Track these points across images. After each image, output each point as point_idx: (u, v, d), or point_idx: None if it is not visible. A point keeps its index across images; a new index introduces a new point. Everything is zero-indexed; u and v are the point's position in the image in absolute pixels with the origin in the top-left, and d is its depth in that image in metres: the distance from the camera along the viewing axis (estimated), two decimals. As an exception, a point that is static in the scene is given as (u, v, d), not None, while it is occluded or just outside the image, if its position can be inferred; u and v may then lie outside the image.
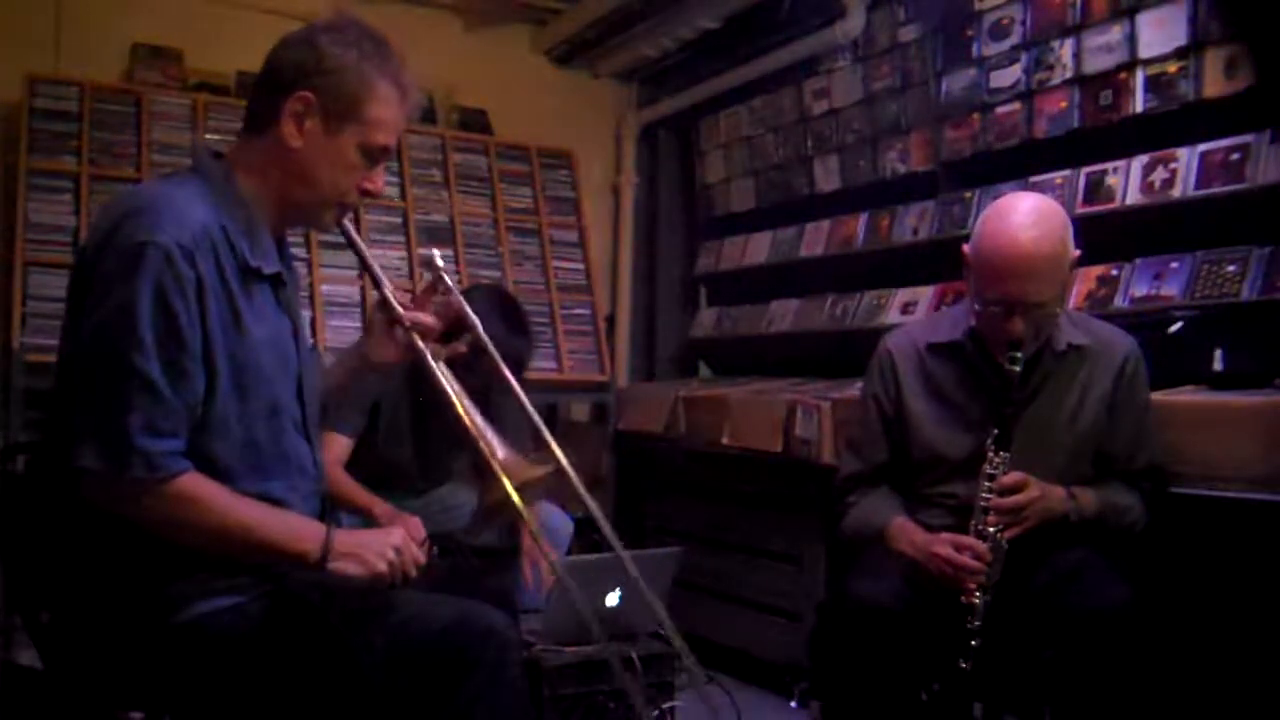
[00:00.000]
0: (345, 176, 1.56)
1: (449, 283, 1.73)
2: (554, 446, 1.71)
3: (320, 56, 1.52)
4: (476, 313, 1.77)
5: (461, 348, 1.72)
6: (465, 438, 1.61)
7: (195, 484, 1.42)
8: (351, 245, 1.69)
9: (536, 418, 1.74)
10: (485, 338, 1.74)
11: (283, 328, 1.59)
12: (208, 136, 3.62)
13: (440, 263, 1.75)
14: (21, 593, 1.58)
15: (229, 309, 1.47)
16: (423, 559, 1.56)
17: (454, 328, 1.72)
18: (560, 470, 1.71)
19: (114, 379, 1.38)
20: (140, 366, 1.38)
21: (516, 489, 1.57)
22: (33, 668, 1.63)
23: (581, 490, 1.72)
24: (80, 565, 1.46)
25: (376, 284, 1.69)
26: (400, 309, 1.65)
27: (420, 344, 1.65)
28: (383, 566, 1.50)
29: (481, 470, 1.60)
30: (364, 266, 1.73)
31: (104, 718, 1.54)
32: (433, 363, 1.64)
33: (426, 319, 1.67)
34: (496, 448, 1.60)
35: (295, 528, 1.49)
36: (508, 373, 1.75)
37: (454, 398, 1.62)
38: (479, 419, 1.62)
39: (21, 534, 1.56)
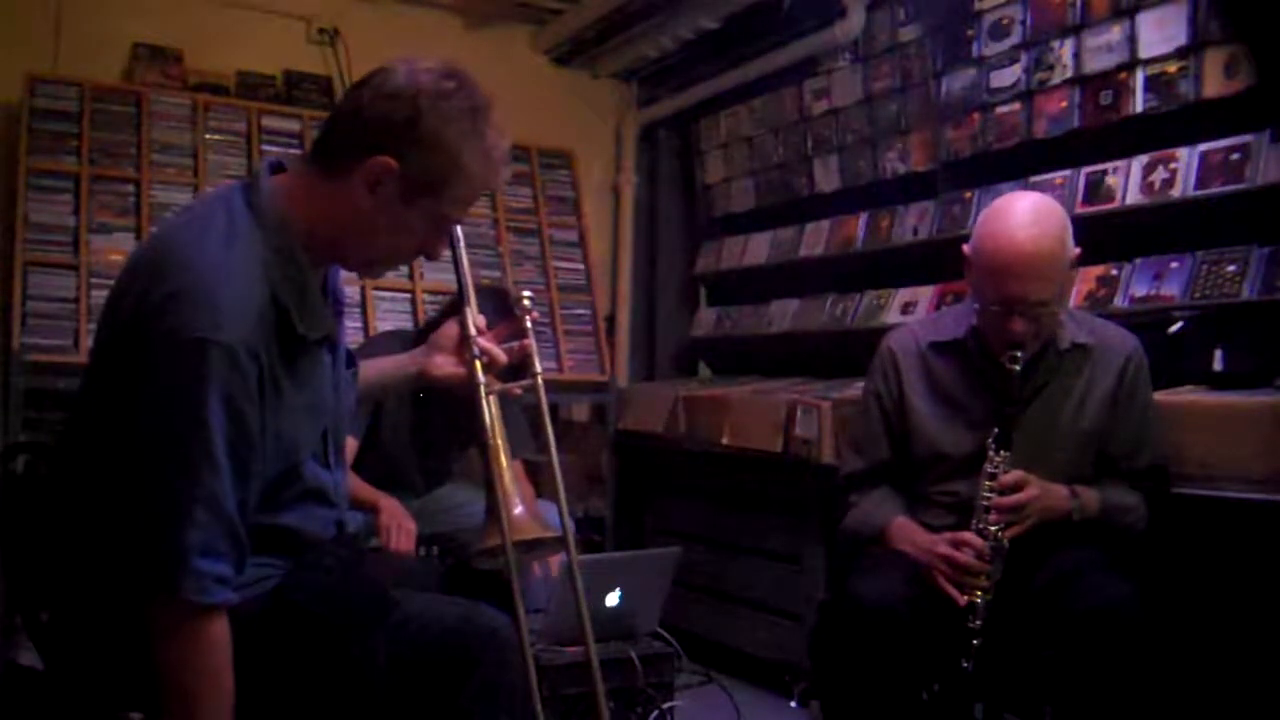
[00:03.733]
0: (406, 243, 1.49)
1: (529, 325, 1.71)
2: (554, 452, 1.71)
3: (417, 124, 1.38)
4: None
5: (517, 390, 1.71)
6: (490, 479, 1.60)
7: (223, 632, 1.34)
8: (455, 259, 1.64)
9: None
10: (541, 385, 1.72)
11: (322, 376, 1.50)
12: (207, 137, 3.63)
13: (528, 304, 1.73)
14: (21, 593, 1.58)
15: (274, 389, 1.39)
16: None
17: (518, 366, 1.71)
18: (560, 539, 1.74)
19: (178, 494, 1.30)
20: (209, 483, 1.31)
21: (515, 543, 1.59)
22: (33, 668, 1.63)
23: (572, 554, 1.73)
24: (80, 566, 1.45)
25: (462, 300, 1.65)
26: (476, 334, 1.63)
27: (481, 375, 1.63)
28: None
29: (492, 514, 1.61)
30: (458, 280, 1.68)
31: (104, 718, 1.54)
32: (485, 397, 1.62)
33: (499, 353, 1.65)
34: (515, 502, 1.61)
35: None
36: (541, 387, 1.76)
37: (496, 438, 1.61)
38: (510, 468, 1.63)
39: (21, 534, 1.56)
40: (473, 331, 1.64)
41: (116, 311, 1.40)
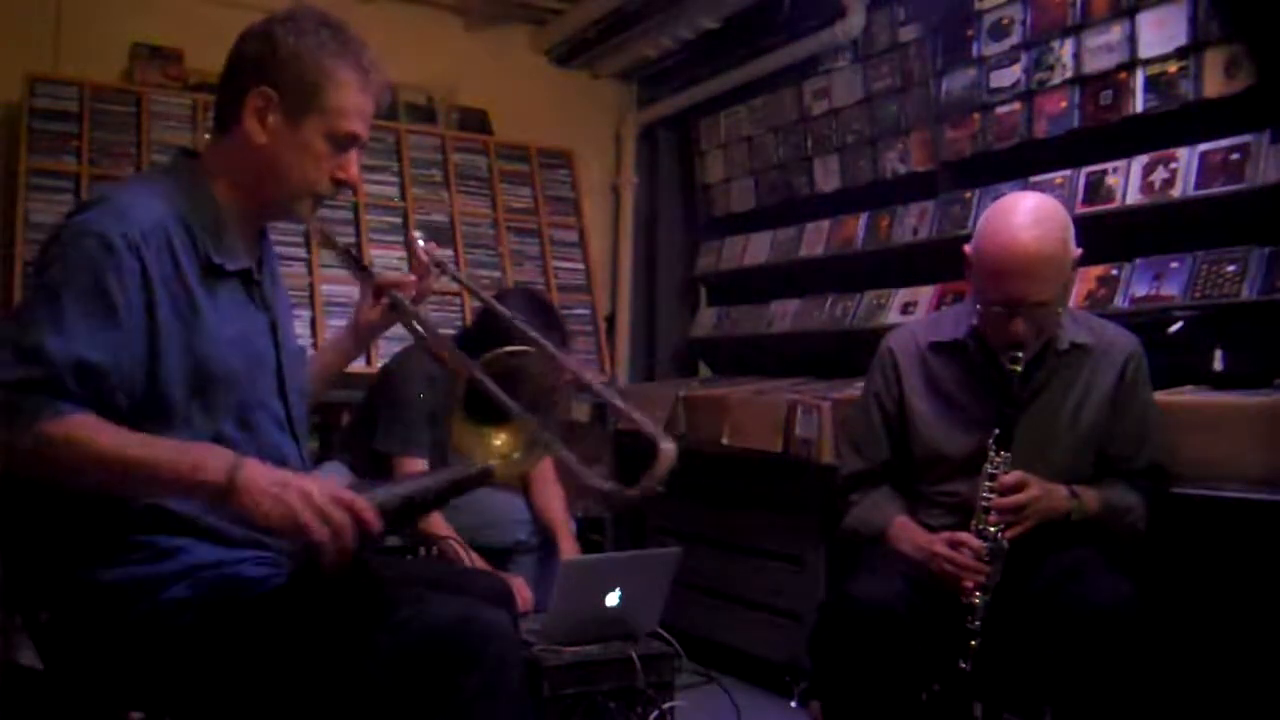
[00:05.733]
0: (314, 168, 1.54)
1: (421, 254, 1.82)
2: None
3: (276, 48, 1.51)
4: (512, 314, 1.80)
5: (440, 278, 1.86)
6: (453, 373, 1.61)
7: (72, 424, 1.31)
8: (326, 238, 1.78)
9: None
10: (464, 278, 1.91)
11: (255, 325, 1.57)
12: (207, 137, 3.62)
13: (421, 243, 1.85)
14: (21, 593, 1.58)
15: (186, 304, 1.45)
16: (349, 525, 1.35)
17: (425, 274, 1.82)
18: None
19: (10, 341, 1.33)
20: (47, 344, 1.31)
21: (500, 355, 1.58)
22: (33, 668, 1.62)
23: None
24: (80, 566, 1.45)
25: (357, 263, 1.81)
26: (376, 274, 1.76)
27: (399, 296, 1.74)
28: (308, 518, 1.31)
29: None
30: (352, 256, 1.83)
31: (104, 718, 1.54)
32: (410, 309, 1.73)
33: (400, 276, 1.77)
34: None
35: (194, 457, 1.34)
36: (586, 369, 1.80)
37: (426, 331, 1.72)
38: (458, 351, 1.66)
39: (22, 534, 1.56)
40: (371, 272, 1.76)
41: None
